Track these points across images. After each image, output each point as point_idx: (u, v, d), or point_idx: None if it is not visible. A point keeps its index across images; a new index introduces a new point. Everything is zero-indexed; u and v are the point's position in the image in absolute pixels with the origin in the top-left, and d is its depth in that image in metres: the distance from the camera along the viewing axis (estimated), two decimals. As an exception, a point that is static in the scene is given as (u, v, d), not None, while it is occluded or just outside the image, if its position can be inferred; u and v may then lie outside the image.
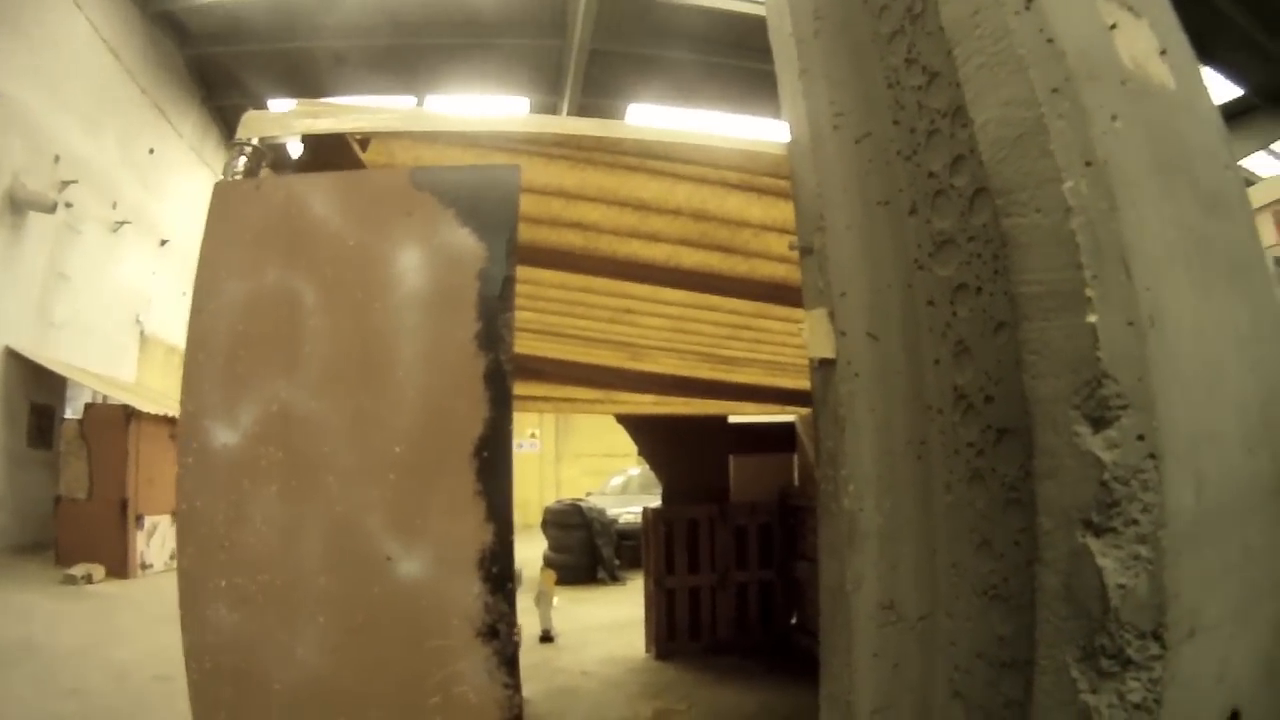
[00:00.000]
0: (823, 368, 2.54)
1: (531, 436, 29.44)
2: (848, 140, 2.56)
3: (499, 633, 2.82)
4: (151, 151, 18.92)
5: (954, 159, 2.22)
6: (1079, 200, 1.92)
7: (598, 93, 19.36)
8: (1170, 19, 2.56)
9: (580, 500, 17.88)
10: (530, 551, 16.23)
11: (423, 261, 3.00)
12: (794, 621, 9.83)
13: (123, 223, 17.63)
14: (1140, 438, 1.81)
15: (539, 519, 18.03)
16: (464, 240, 2.99)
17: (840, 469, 2.43)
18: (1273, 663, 2.24)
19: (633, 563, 15.23)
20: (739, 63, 18.49)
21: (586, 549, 16.23)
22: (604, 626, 11.35)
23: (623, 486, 21.15)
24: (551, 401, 9.52)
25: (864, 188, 2.52)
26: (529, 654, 8.97)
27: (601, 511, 16.79)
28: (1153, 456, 1.81)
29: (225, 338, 2.98)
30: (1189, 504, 1.88)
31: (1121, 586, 1.80)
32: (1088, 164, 1.95)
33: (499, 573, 2.84)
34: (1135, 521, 1.80)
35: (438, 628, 2.84)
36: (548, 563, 15.26)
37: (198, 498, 2.91)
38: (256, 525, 2.88)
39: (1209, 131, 2.51)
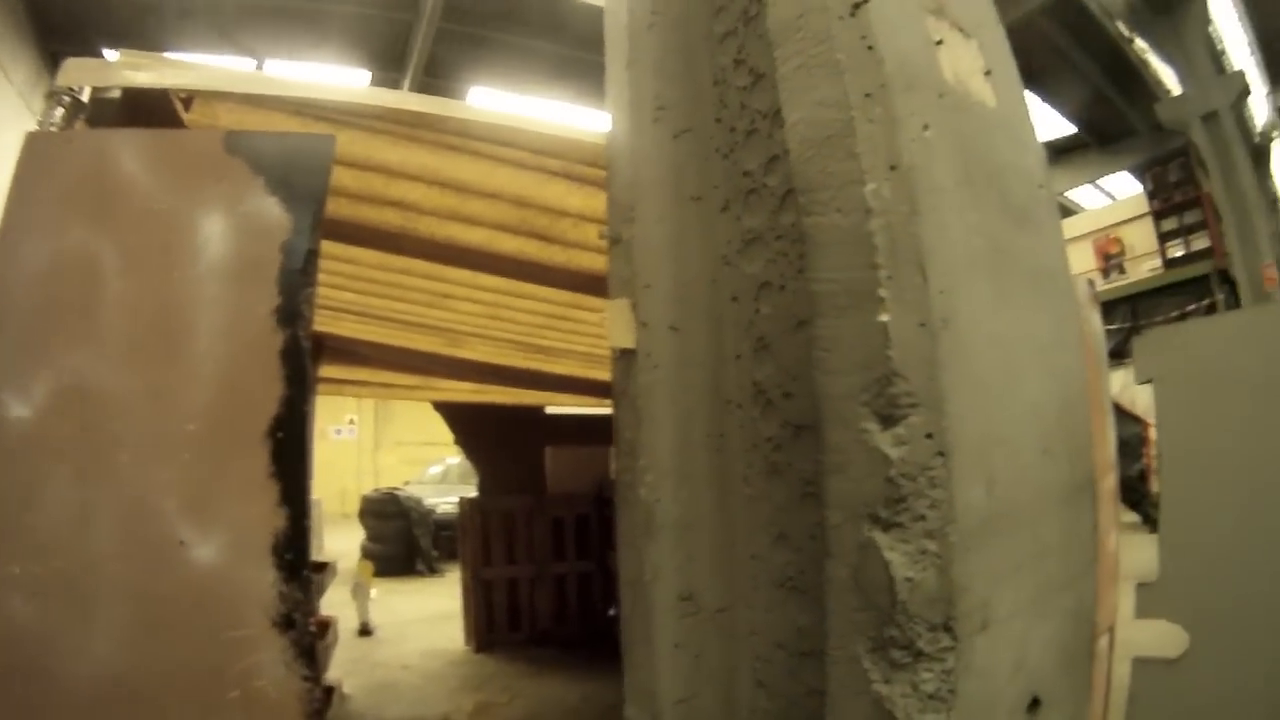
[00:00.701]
0: (624, 358, 2.53)
1: (350, 423, 28.80)
2: (667, 134, 2.55)
3: (295, 622, 2.72)
4: (-22, 98, 17.57)
5: (769, 159, 2.23)
6: (880, 203, 1.94)
7: (442, 73, 19.08)
8: (1001, 44, 2.65)
9: (398, 489, 17.59)
10: (348, 542, 15.93)
11: (228, 230, 2.87)
12: (612, 613, 9.89)
13: (-60, 177, 16.26)
14: (929, 436, 1.85)
15: (357, 508, 17.70)
16: (270, 210, 2.88)
17: (638, 459, 2.43)
18: (1071, 652, 2.35)
19: (451, 554, 15.11)
20: (588, 55, 18.52)
21: (404, 539, 16.03)
22: (423, 619, 11.31)
23: (441, 476, 20.96)
24: (370, 386, 9.37)
25: (678, 182, 2.51)
26: (347, 648, 8.83)
27: (419, 501, 16.63)
28: (941, 454, 1.85)
29: (23, 303, 2.78)
30: (979, 502, 1.93)
31: (909, 580, 1.83)
32: (892, 168, 1.97)
33: (293, 559, 2.73)
34: (922, 517, 1.84)
35: (234, 618, 2.71)
36: (365, 553, 15.02)
37: (-10, 476, 2.71)
38: (49, 507, 2.69)
39: (1025, 151, 2.58)
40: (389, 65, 19.22)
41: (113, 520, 2.71)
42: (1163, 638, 2.82)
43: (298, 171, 2.94)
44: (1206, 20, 18.59)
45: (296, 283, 2.83)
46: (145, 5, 17.61)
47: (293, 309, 2.81)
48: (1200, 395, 2.95)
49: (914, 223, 1.94)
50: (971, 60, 2.41)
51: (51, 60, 19.51)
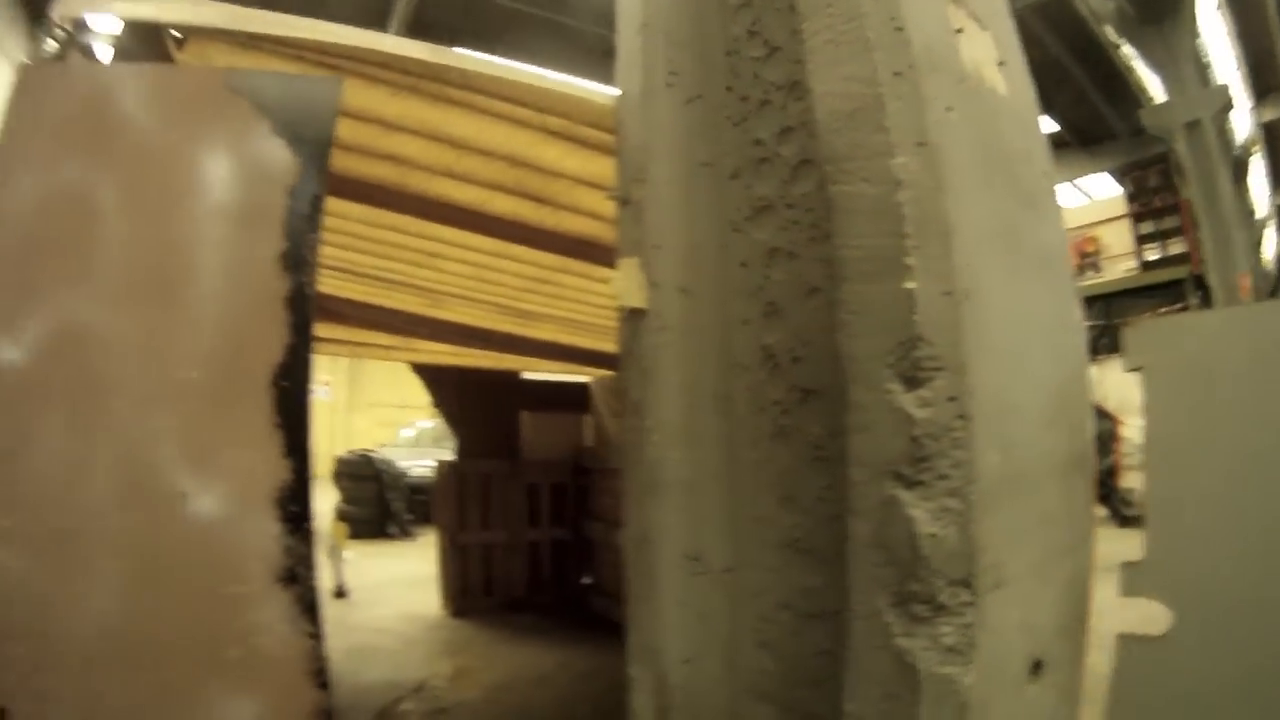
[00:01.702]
0: (632, 318, 2.55)
1: (324, 383, 28.52)
2: (679, 99, 2.58)
3: (299, 577, 2.67)
4: (-50, 40, 17.28)
5: (783, 130, 2.27)
6: (908, 175, 1.98)
7: (425, 33, 18.89)
8: (1011, 38, 2.69)
9: (372, 451, 17.46)
10: (322, 504, 15.81)
11: (231, 171, 2.79)
12: (587, 581, 9.89)
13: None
14: (952, 399, 1.90)
15: (329, 469, 17.56)
16: (276, 152, 2.80)
17: (644, 419, 2.45)
18: (1070, 618, 2.40)
19: (424, 518, 15.07)
20: (574, 22, 18.49)
21: (378, 502, 15.93)
22: (397, 582, 11.24)
23: (415, 439, 20.81)
24: (348, 345, 9.20)
25: (689, 147, 2.53)
26: (323, 610, 8.75)
27: (393, 464, 16.51)
28: (962, 417, 1.89)
29: (14, 240, 2.67)
30: (995, 465, 1.98)
31: (932, 536, 1.88)
32: (919, 144, 2.01)
33: (298, 512, 2.68)
34: (945, 476, 1.88)
35: (235, 572, 2.64)
36: (339, 515, 14.91)
37: (-23, 424, 2.61)
38: (41, 456, 2.58)
39: (1032, 139, 2.63)
40: (372, 22, 19.03)
41: (109, 471, 2.62)
42: (1147, 616, 2.87)
43: (304, 114, 2.87)
44: (1194, 33, 18.67)
45: (302, 228, 2.77)
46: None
47: (299, 255, 2.75)
48: (1188, 385, 3.00)
49: (939, 197, 1.98)
50: (987, 50, 2.46)
51: (24, 5, 19.24)
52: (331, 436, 26.59)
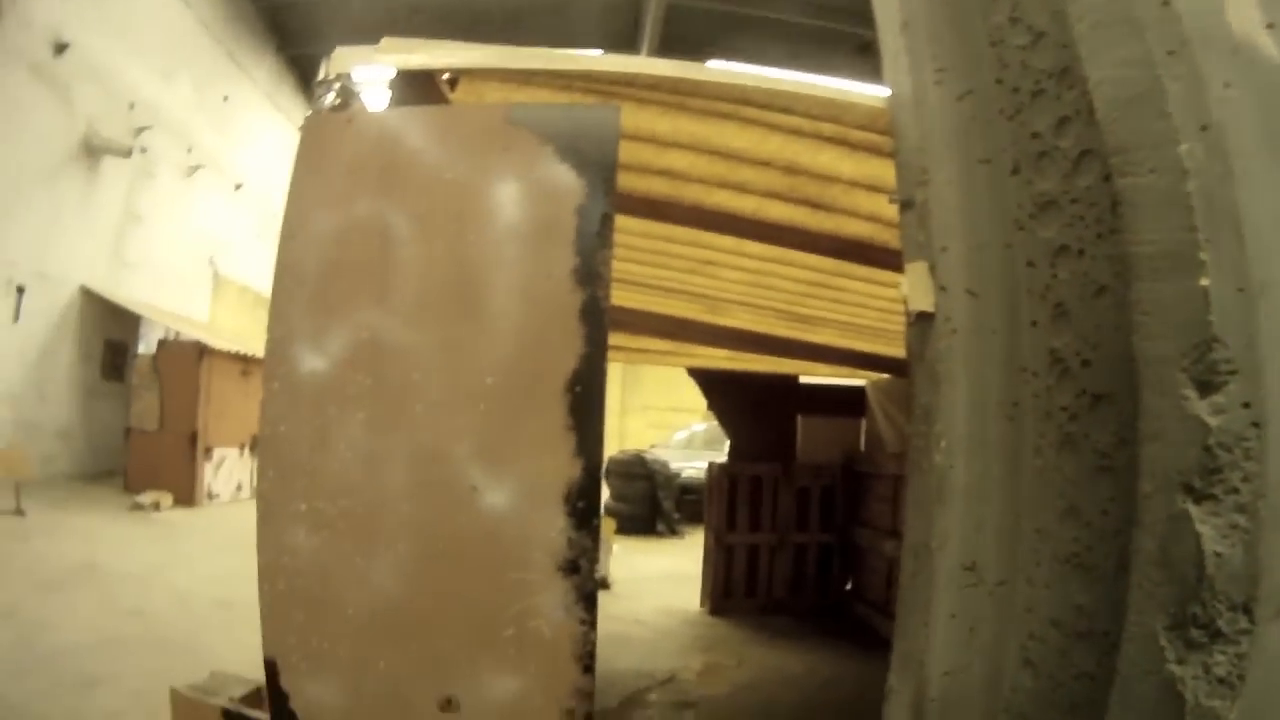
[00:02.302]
0: (920, 322, 2.53)
1: (597, 387, 29.25)
2: (949, 97, 2.54)
3: (580, 568, 2.86)
4: (226, 99, 19.58)
5: (1059, 120, 2.19)
6: (1194, 163, 1.90)
7: (675, 49, 19.18)
8: None
9: (644, 452, 17.91)
10: (592, 498, 16.29)
11: (519, 196, 3.01)
12: (850, 587, 9.80)
13: (197, 167, 18.37)
14: (1246, 405, 1.80)
15: (603, 468, 18.02)
16: (562, 176, 2.99)
17: (933, 425, 2.43)
18: None
19: (692, 517, 15.32)
20: (816, 22, 18.39)
21: (647, 500, 16.34)
22: (660, 577, 11.46)
23: (687, 441, 21.08)
24: (624, 351, 9.44)
25: (965, 145, 2.48)
26: (586, 599, 9.02)
27: (665, 464, 16.91)
28: (1256, 425, 1.80)
29: (315, 265, 3.03)
30: (1284, 478, 1.86)
31: (1218, 554, 1.79)
32: (1203, 128, 1.92)
33: (585, 508, 2.86)
34: (1236, 490, 1.79)
35: (518, 560, 2.87)
36: (608, 511, 15.34)
37: (282, 422, 2.98)
38: (340, 451, 2.93)
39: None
40: (622, 45, 19.51)
41: (404, 464, 2.93)
42: None
43: (586, 140, 3.03)
44: None
45: (593, 245, 2.94)
46: (374, 6, 18.51)
47: (591, 270, 2.93)
48: None
49: (1228, 184, 1.89)
50: (1254, 13, 2.28)
51: (291, 62, 21.55)
52: (605, 437, 27.42)
